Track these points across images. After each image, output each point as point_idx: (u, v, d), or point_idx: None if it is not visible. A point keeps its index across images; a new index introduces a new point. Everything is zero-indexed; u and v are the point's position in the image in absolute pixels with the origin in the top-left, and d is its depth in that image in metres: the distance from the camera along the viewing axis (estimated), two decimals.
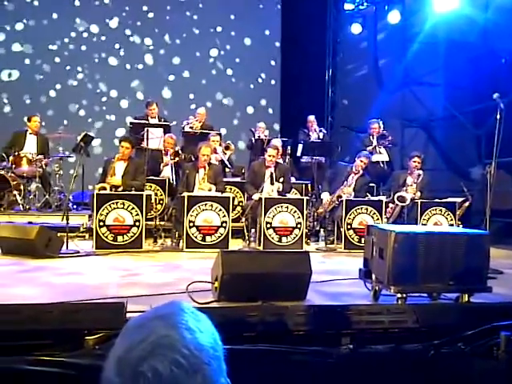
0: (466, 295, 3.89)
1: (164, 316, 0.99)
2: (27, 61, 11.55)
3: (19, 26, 11.56)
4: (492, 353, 3.17)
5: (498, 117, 5.57)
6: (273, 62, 12.83)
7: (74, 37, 11.82)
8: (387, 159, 9.04)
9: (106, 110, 11.93)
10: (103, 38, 11.96)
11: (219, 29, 12.51)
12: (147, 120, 8.85)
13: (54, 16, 11.70)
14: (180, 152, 8.44)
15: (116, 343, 0.98)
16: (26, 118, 9.05)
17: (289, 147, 9.05)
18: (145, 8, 12.13)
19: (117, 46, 12.02)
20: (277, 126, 12.55)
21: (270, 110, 12.76)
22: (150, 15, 12.18)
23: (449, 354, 3.18)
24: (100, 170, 7.82)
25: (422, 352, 3.18)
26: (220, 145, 8.70)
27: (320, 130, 9.77)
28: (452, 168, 9.82)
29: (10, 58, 11.51)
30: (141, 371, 0.91)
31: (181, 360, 0.92)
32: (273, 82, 12.86)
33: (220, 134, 8.92)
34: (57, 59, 11.70)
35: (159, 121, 8.96)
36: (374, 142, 9.01)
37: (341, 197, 7.42)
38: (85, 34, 11.87)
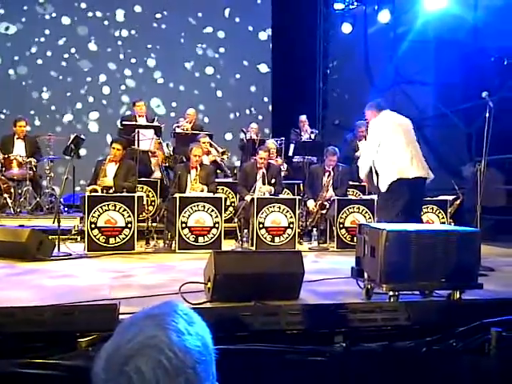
0: (458, 292, 3.90)
1: (155, 316, 1.00)
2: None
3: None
4: (483, 349, 3.20)
5: (488, 115, 5.59)
6: (263, 63, 12.83)
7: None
8: None
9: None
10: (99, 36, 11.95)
11: (209, 29, 12.51)
12: (135, 120, 8.83)
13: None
14: (171, 154, 8.48)
15: (109, 340, 0.99)
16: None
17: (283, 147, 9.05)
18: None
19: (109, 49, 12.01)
20: (268, 126, 12.55)
21: (261, 110, 12.75)
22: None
23: (441, 351, 3.19)
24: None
25: (414, 349, 3.19)
26: (211, 145, 8.69)
27: (312, 132, 9.79)
28: (443, 166, 9.85)
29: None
30: (125, 370, 0.92)
31: (164, 362, 0.92)
32: (264, 82, 12.85)
33: (212, 135, 8.90)
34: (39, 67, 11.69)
35: (147, 121, 8.94)
36: (361, 146, 8.95)
37: (323, 204, 7.42)
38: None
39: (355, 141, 9.04)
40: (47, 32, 11.70)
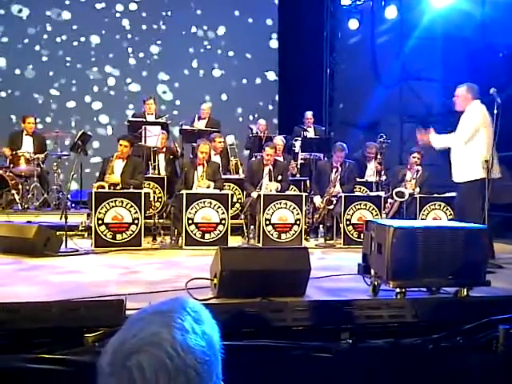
0: (465, 289, 3.89)
1: (163, 312, 0.99)
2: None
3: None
4: (491, 346, 3.18)
5: (496, 112, 5.56)
6: (270, 59, 12.80)
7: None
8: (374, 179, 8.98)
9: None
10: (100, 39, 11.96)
11: (219, 28, 12.50)
12: (145, 117, 8.84)
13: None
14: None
15: (117, 333, 0.99)
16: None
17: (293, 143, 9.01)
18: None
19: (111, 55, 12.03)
20: (275, 123, 12.52)
21: (269, 107, 12.72)
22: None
23: (448, 348, 3.18)
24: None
25: (421, 346, 3.18)
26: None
27: (317, 128, 9.77)
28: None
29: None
30: (128, 365, 0.92)
31: (165, 360, 0.92)
32: (270, 78, 12.83)
33: (218, 131, 8.88)
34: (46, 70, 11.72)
35: (156, 117, 8.94)
36: (369, 167, 8.94)
37: (330, 200, 7.41)
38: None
39: (364, 161, 9.02)
40: (49, 29, 11.71)
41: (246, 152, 9.99)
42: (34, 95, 11.57)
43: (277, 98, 12.81)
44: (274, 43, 12.87)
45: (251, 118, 12.21)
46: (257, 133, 9.31)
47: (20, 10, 11.56)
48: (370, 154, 8.98)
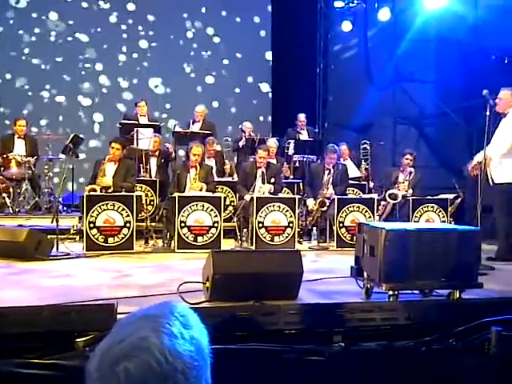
0: (458, 291, 3.88)
1: (151, 317, 0.98)
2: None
3: None
4: (483, 348, 3.18)
5: (488, 113, 5.58)
6: (263, 61, 12.79)
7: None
8: (358, 174, 9.00)
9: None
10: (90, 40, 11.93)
11: (209, 29, 12.49)
12: (137, 119, 8.82)
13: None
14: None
15: (105, 338, 0.98)
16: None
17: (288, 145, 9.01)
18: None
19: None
20: (268, 126, 12.50)
21: (261, 110, 12.71)
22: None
23: (440, 351, 3.18)
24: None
25: (413, 349, 3.18)
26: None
27: (312, 130, 9.77)
28: (444, 165, 9.85)
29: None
30: (116, 370, 0.91)
31: (153, 365, 0.91)
32: (264, 81, 12.82)
33: (211, 134, 8.83)
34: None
35: (149, 120, 8.92)
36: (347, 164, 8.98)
37: (324, 202, 7.40)
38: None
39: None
40: (37, 30, 11.62)
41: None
42: (25, 98, 11.49)
43: (270, 97, 12.80)
44: (266, 45, 12.85)
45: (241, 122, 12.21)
46: (249, 135, 9.27)
47: (17, 1, 11.49)
48: (344, 151, 9.01)
